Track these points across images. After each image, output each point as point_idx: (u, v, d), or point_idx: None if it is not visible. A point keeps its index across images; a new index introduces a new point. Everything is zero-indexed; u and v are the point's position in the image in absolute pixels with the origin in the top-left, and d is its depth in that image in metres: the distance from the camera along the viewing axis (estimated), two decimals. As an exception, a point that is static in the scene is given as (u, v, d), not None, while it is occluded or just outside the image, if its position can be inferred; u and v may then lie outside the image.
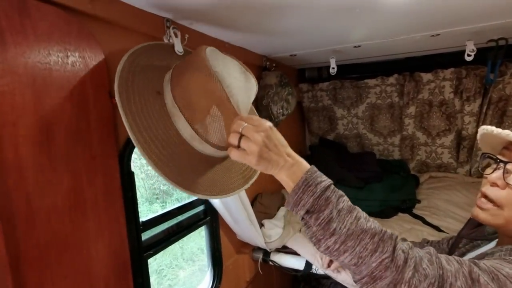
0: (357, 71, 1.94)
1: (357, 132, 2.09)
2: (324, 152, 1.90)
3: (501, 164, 0.63)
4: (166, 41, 0.84)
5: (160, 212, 0.93)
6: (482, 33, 1.18)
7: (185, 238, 1.36)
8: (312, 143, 2.22)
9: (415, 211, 1.67)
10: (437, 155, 1.95)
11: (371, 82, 1.91)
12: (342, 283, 1.18)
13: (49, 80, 0.59)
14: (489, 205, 0.65)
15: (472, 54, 1.22)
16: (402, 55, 1.72)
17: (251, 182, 0.77)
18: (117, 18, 0.73)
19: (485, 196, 0.65)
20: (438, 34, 1.21)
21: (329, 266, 1.19)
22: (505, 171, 0.62)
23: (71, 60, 0.63)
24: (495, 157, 0.66)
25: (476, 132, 1.75)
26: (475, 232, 0.84)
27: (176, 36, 0.81)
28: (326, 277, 2.06)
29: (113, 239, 0.72)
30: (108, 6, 0.70)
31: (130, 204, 0.77)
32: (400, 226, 1.51)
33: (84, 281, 0.65)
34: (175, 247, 1.56)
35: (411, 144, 1.99)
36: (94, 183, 0.67)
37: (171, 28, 0.83)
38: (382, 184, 1.76)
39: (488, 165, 0.68)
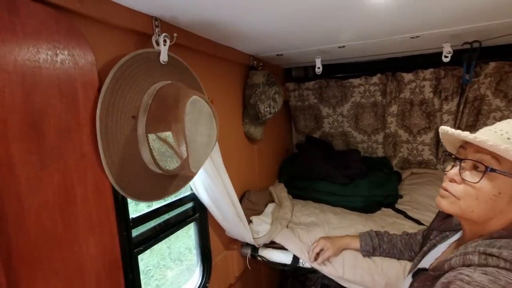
0: (342, 71, 2.00)
1: (342, 130, 2.15)
2: (311, 150, 1.94)
3: (457, 162, 0.68)
4: (154, 41, 0.85)
5: (150, 209, 0.94)
6: (458, 36, 1.24)
7: (172, 238, 1.37)
8: (299, 141, 2.27)
9: (397, 206, 1.73)
10: (418, 152, 2.04)
11: (356, 81, 1.96)
12: (328, 275, 1.22)
13: (39, 78, 0.59)
14: (448, 195, 0.70)
15: (449, 55, 1.28)
16: (385, 55, 1.79)
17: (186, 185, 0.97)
18: (106, 17, 0.73)
19: (446, 190, 0.71)
20: (418, 36, 1.27)
21: (316, 259, 1.23)
22: (461, 168, 0.67)
23: (60, 58, 0.63)
24: (453, 155, 0.72)
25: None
26: (444, 224, 0.90)
27: (164, 43, 0.82)
28: (313, 271, 2.11)
29: (104, 236, 0.73)
30: (97, 5, 0.70)
31: (120, 201, 0.78)
32: (383, 220, 1.56)
33: (75, 277, 0.65)
34: (162, 247, 1.56)
35: (394, 141, 2.07)
36: (85, 181, 0.68)
37: (159, 30, 0.85)
38: (367, 180, 1.81)
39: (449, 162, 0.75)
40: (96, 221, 0.70)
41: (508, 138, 0.61)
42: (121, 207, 0.79)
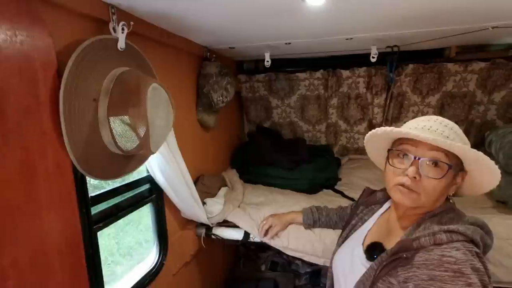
0: (290, 65, 2.17)
1: (290, 120, 2.33)
2: (261, 138, 2.09)
3: (412, 158, 0.75)
4: (111, 28, 0.89)
5: (108, 188, 0.98)
6: (382, 40, 1.47)
7: (121, 233, 1.39)
8: (250, 130, 2.40)
9: (336, 187, 1.95)
10: (355, 140, 2.31)
11: (302, 75, 2.15)
12: (275, 246, 1.38)
13: (-2, 57, 0.61)
14: (409, 192, 0.77)
15: (376, 56, 1.51)
16: (327, 53, 1.99)
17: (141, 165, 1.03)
18: (62, 1, 0.76)
19: (402, 185, 0.77)
20: (352, 38, 1.47)
21: (265, 235, 1.38)
22: (421, 166, 0.75)
23: (19, 39, 0.65)
24: (406, 153, 0.78)
25: (382, 121, 2.15)
26: (369, 199, 1.06)
27: (122, 31, 0.87)
28: (263, 251, 2.28)
29: (65, 211, 0.76)
30: (54, -11, 0.73)
31: (80, 179, 0.82)
32: (324, 199, 1.77)
33: (38, 249, 0.69)
34: (110, 243, 1.57)
35: (335, 131, 2.31)
36: (46, 158, 0.71)
37: (116, 17, 0.89)
38: (311, 165, 1.99)
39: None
40: (57, 196, 0.74)
41: (447, 137, 0.74)
42: (80, 185, 0.82)
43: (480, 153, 0.72)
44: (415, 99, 2.04)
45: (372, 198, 1.06)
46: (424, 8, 1.04)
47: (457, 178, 0.80)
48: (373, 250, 0.84)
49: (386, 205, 1.00)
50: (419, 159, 0.75)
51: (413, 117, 0.87)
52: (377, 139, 0.88)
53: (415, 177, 0.75)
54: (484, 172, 0.77)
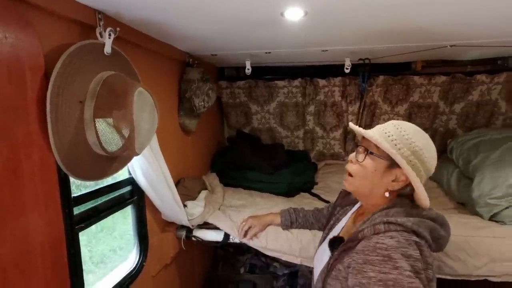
0: (270, 73, 2.25)
1: (269, 126, 2.41)
2: (241, 143, 2.14)
3: (355, 148, 0.94)
4: (98, 32, 0.92)
5: (90, 189, 1.00)
6: (355, 53, 1.59)
7: (93, 240, 1.38)
8: (230, 135, 2.45)
9: (313, 190, 2.03)
10: (331, 146, 2.42)
11: (280, 83, 2.24)
12: (254, 247, 1.43)
13: (-12, 58, 0.63)
14: (348, 177, 0.94)
15: (349, 68, 1.62)
16: (305, 63, 2.10)
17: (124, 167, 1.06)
18: (50, 6, 0.78)
19: (347, 173, 0.95)
20: (327, 50, 1.57)
21: (245, 236, 1.42)
22: (357, 152, 0.92)
23: (9, 41, 0.67)
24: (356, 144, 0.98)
25: (356, 128, 2.28)
26: (344, 201, 1.16)
27: (109, 36, 0.90)
28: (242, 253, 2.31)
29: (49, 210, 0.78)
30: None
31: (63, 180, 0.84)
32: (302, 202, 1.84)
33: (22, 247, 0.70)
34: (82, 250, 1.54)
35: (312, 137, 2.42)
36: (31, 158, 0.73)
37: (103, 23, 0.92)
38: (289, 170, 2.07)
39: None
40: (41, 196, 0.75)
41: (386, 133, 0.87)
42: (64, 186, 0.84)
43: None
44: (385, 108, 2.19)
45: (347, 200, 1.16)
46: (391, 26, 1.15)
47: (393, 172, 0.87)
48: (334, 243, 0.92)
49: (357, 205, 1.09)
50: (357, 146, 0.93)
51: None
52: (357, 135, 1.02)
53: (351, 161, 0.93)
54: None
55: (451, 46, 1.45)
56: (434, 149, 0.89)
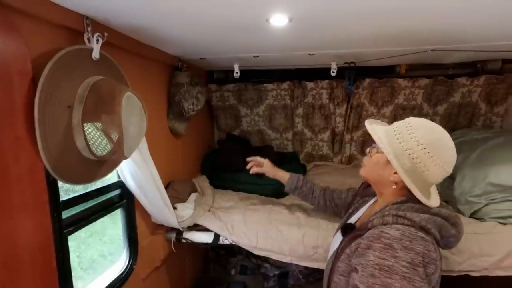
0: (259, 76, 2.29)
1: (259, 128, 2.44)
2: (231, 146, 2.16)
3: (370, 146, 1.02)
4: (86, 38, 0.93)
5: (79, 193, 1.00)
6: (340, 57, 1.63)
7: (82, 246, 1.37)
8: (220, 138, 2.47)
9: (302, 192, 2.07)
10: (319, 147, 2.46)
11: (269, 86, 2.28)
12: (244, 246, 1.45)
13: (-25, 65, 0.64)
14: (363, 164, 1.04)
15: (335, 71, 1.66)
16: (293, 66, 2.14)
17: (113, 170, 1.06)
18: (38, 12, 0.79)
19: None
20: (314, 54, 1.61)
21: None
22: (371, 147, 1.00)
23: (-3, 47, 0.68)
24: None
25: (344, 130, 2.33)
26: (365, 192, 1.21)
27: (97, 42, 0.91)
28: (233, 255, 2.33)
29: (37, 214, 0.78)
30: (30, 1, 0.76)
31: (52, 184, 0.84)
32: (291, 203, 1.87)
33: (9, 251, 0.70)
34: (71, 256, 1.53)
35: (300, 139, 2.45)
36: (19, 162, 0.73)
37: (91, 28, 0.93)
38: (278, 171, 2.11)
39: None
40: (29, 200, 0.76)
41: (394, 129, 0.91)
42: (53, 190, 0.84)
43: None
44: (372, 110, 2.24)
45: (367, 191, 1.20)
46: (374, 32, 1.19)
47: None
48: (346, 229, 1.00)
49: (375, 198, 1.13)
50: (371, 146, 1.02)
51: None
52: None
53: (366, 154, 1.04)
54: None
55: (432, 50, 1.51)
56: (446, 145, 0.87)
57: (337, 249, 0.97)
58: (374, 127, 0.96)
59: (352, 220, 1.11)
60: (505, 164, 1.42)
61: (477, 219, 1.46)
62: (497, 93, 2.05)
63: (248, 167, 1.52)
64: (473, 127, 2.15)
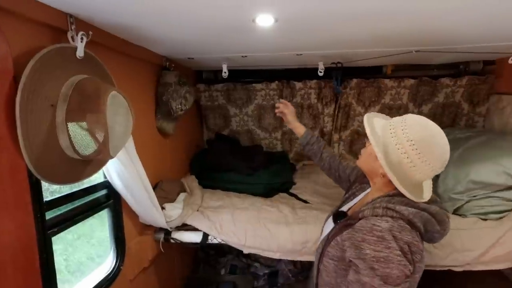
0: (248, 76, 2.29)
1: (248, 128, 2.45)
2: (220, 145, 2.17)
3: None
4: (70, 36, 0.92)
5: (64, 193, 0.99)
6: (327, 57, 1.65)
7: (70, 249, 1.35)
8: (209, 138, 2.46)
9: (291, 190, 2.08)
10: (308, 147, 2.48)
11: (258, 86, 2.29)
12: (233, 245, 1.46)
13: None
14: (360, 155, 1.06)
15: (323, 71, 1.69)
16: (281, 66, 2.16)
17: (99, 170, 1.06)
18: (20, 10, 0.78)
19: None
20: (301, 54, 1.63)
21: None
22: (368, 141, 1.00)
23: (-24, 45, 0.67)
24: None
25: (332, 130, 2.36)
26: (364, 179, 1.19)
27: (81, 40, 0.90)
28: (222, 255, 2.32)
29: (19, 215, 0.77)
30: (13, -1, 0.75)
31: (35, 184, 0.83)
32: (279, 202, 1.89)
33: (-10, 251, 0.69)
34: (58, 260, 1.50)
35: (289, 138, 2.47)
36: (1, 161, 0.72)
37: (75, 27, 0.92)
38: (267, 171, 2.10)
39: None
40: (10, 200, 0.75)
41: (390, 123, 0.92)
42: (36, 190, 0.83)
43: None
44: (359, 110, 2.28)
45: (366, 179, 1.18)
46: (359, 33, 1.22)
47: None
48: (338, 216, 1.04)
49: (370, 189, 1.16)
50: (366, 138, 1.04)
51: (358, 126, 1.07)
52: None
53: (364, 146, 1.05)
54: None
55: (416, 51, 1.55)
56: (438, 144, 0.87)
57: (328, 234, 1.01)
58: (374, 120, 0.99)
59: (345, 208, 1.14)
60: (486, 162, 1.46)
61: (460, 215, 1.50)
62: (479, 94, 2.11)
63: (277, 110, 1.55)
64: (456, 127, 2.21)
